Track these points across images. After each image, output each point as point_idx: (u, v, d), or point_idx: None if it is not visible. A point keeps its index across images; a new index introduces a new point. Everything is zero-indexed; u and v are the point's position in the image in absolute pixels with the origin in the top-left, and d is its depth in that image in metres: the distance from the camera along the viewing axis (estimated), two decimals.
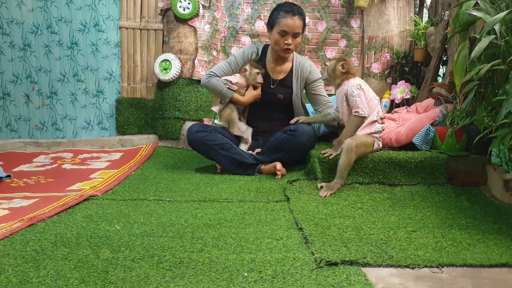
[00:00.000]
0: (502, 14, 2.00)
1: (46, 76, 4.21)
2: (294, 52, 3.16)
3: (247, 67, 3.03)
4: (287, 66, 3.13)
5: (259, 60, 3.13)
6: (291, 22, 2.92)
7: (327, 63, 2.78)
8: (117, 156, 3.66)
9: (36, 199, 2.38)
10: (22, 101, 4.22)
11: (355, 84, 2.63)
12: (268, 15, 4.10)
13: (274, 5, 4.09)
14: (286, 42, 2.95)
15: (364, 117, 2.61)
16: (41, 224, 1.91)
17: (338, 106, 2.81)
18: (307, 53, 4.19)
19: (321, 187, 2.50)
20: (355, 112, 2.60)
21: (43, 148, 4.04)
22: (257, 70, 3.03)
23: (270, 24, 3.02)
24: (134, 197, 2.42)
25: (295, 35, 2.96)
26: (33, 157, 3.69)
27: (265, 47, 3.18)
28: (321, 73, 2.95)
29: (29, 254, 1.57)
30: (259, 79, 3.03)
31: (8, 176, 3.00)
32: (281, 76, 3.12)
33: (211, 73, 3.09)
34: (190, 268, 1.47)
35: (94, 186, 2.66)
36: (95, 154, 3.75)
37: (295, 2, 4.11)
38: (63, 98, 4.25)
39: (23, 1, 4.12)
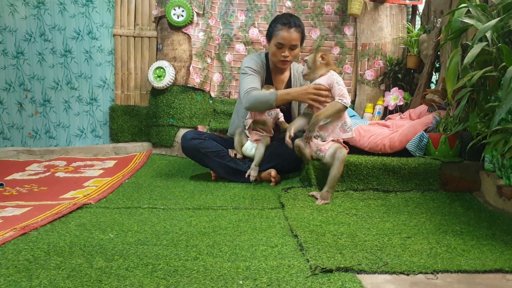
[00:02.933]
0: (493, 22, 2.02)
1: (39, 84, 4.20)
2: None
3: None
4: (285, 75, 3.12)
5: (267, 69, 3.08)
6: (287, 34, 2.87)
7: (306, 58, 2.69)
8: (110, 164, 3.65)
9: (29, 208, 2.36)
10: (15, 109, 4.20)
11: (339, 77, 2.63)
12: (262, 22, 4.15)
13: (267, 13, 4.13)
14: (283, 54, 2.91)
15: (346, 108, 2.57)
16: (34, 233, 1.90)
17: None
18: (301, 60, 4.20)
19: (313, 195, 2.49)
20: (341, 99, 2.55)
21: (36, 156, 4.02)
22: None
23: (268, 36, 2.99)
24: (128, 205, 2.41)
25: (292, 47, 2.91)
26: (26, 165, 3.67)
27: (267, 55, 3.11)
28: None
29: (21, 264, 1.55)
30: None
31: (1, 184, 2.98)
32: (282, 86, 3.09)
33: (250, 88, 2.87)
34: (185, 277, 1.46)
35: (88, 194, 2.64)
36: (88, 162, 3.73)
37: (290, 12, 4.15)
38: (56, 106, 4.24)
39: (16, 9, 4.11)
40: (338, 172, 2.49)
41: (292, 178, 2.88)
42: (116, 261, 1.58)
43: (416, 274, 1.51)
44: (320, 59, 2.63)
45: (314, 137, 2.61)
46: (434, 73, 3.80)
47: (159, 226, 2.02)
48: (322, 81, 2.62)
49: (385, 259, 1.62)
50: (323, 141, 2.59)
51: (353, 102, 4.22)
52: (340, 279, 1.43)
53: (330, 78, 2.60)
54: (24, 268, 1.51)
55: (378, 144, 2.86)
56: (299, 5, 4.17)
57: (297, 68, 3.13)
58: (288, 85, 3.10)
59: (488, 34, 2.13)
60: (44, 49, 4.18)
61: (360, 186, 2.63)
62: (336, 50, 4.21)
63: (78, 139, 4.27)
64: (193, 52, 4.02)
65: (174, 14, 3.93)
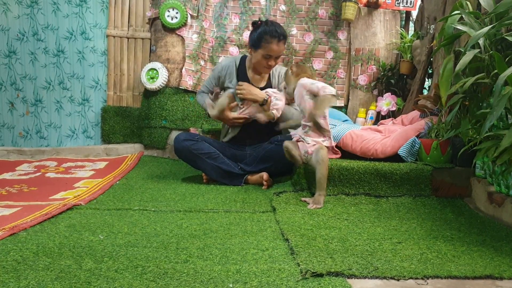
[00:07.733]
0: (486, 29, 2.03)
1: (31, 83, 4.18)
2: None
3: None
4: (264, 75, 3.19)
5: (238, 71, 3.15)
6: (276, 48, 2.97)
7: (282, 74, 2.77)
8: (101, 165, 3.63)
9: (19, 208, 2.34)
10: (6, 109, 4.17)
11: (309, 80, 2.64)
12: None
13: (262, 16, 4.12)
14: (269, 63, 3.03)
15: (335, 96, 2.53)
16: (23, 233, 1.88)
17: (299, 106, 2.67)
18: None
19: (305, 201, 2.49)
20: (324, 91, 2.47)
21: (27, 156, 3.99)
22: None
23: (255, 45, 3.01)
24: (118, 206, 2.39)
25: (277, 57, 3.05)
26: (16, 165, 3.64)
27: (243, 58, 3.21)
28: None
29: (9, 264, 1.54)
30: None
31: None
32: (262, 84, 3.14)
33: (202, 93, 3.26)
34: (175, 279, 1.45)
35: (78, 195, 2.62)
36: (79, 163, 3.71)
37: (284, 16, 4.15)
38: (48, 106, 4.21)
39: (9, 8, 4.09)
40: (322, 174, 2.48)
41: (284, 182, 2.88)
42: (105, 263, 1.57)
43: (407, 280, 1.51)
44: (289, 72, 2.70)
45: (300, 140, 2.61)
46: (426, 79, 3.82)
47: (150, 228, 2.01)
48: (297, 94, 2.64)
49: (375, 264, 1.62)
50: (308, 143, 2.59)
51: (345, 106, 4.23)
52: (331, 284, 1.43)
53: (299, 88, 2.64)
54: (12, 269, 1.50)
55: (370, 149, 2.87)
56: (293, 9, 4.18)
57: (275, 67, 3.19)
58: (269, 83, 3.16)
59: (480, 41, 2.14)
60: (37, 49, 4.16)
61: (352, 191, 2.63)
62: (329, 55, 4.22)
63: (69, 139, 4.25)
64: (186, 54, 4.02)
65: (168, 16, 3.93)
